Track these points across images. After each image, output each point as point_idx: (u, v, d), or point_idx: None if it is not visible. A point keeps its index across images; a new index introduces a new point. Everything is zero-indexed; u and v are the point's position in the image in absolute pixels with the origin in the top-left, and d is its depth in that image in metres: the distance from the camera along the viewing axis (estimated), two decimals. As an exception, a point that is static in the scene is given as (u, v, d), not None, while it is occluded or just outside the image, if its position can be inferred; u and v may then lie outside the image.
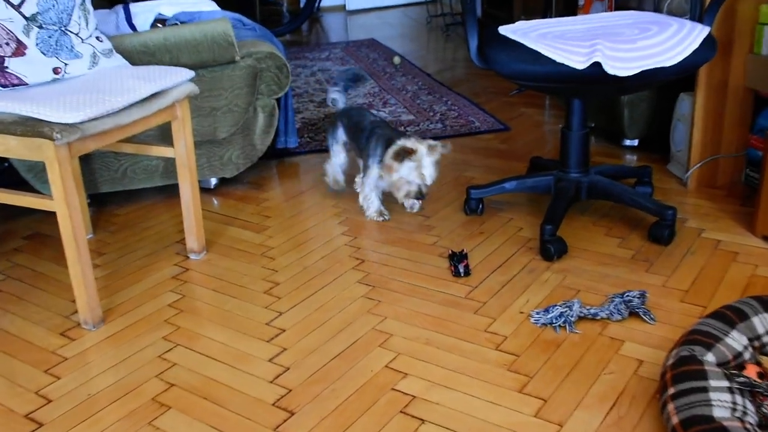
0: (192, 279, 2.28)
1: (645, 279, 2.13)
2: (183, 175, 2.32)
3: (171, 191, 2.95)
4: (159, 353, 1.92)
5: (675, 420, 1.44)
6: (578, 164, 2.45)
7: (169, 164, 2.80)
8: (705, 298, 2.02)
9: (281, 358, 1.86)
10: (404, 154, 2.39)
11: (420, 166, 2.41)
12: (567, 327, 1.92)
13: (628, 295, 1.97)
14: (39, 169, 2.67)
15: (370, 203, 2.63)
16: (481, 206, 2.62)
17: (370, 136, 2.57)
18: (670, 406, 1.47)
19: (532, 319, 1.96)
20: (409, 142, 2.41)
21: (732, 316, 1.68)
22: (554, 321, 1.93)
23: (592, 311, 1.94)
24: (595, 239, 2.39)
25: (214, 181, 2.97)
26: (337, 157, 2.80)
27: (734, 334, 1.64)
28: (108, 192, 2.84)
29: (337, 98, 2.81)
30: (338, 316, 2.03)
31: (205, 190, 2.94)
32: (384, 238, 2.49)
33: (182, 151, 2.27)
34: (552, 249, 2.26)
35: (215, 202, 2.88)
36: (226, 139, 2.82)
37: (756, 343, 1.66)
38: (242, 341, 1.95)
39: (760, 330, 1.67)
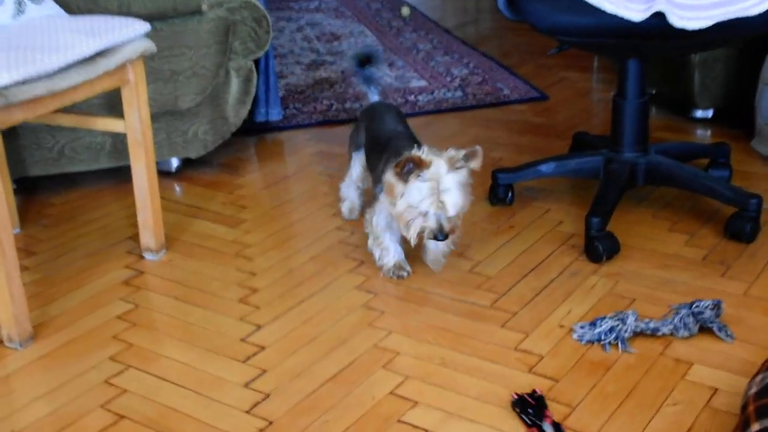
0: (148, 284, 2.29)
1: (720, 286, 2.14)
2: (136, 154, 2.32)
3: (121, 175, 2.94)
4: (105, 377, 1.92)
5: (758, 462, 1.44)
6: (634, 141, 2.46)
7: (119, 141, 2.80)
8: (798, 310, 2.04)
9: (260, 383, 1.87)
10: (411, 168, 2.02)
11: (438, 190, 2.02)
12: (619, 345, 1.92)
13: (697, 306, 1.97)
14: (-45, 146, 2.68)
15: (385, 251, 2.28)
16: (510, 194, 2.63)
17: (382, 152, 2.25)
18: (752, 445, 1.48)
19: (575, 335, 1.97)
20: (420, 152, 2.05)
21: (829, 330, 1.68)
22: (603, 337, 1.93)
23: (651, 325, 1.94)
24: (656, 236, 2.40)
25: (175, 162, 2.98)
26: (355, 170, 2.51)
27: (832, 353, 1.64)
28: (40, 176, 2.84)
29: (367, 89, 2.57)
30: (332, 331, 2.04)
31: (164, 173, 2.94)
32: (389, 233, 2.49)
33: (135, 124, 2.27)
34: (600, 247, 2.26)
35: (177, 189, 2.89)
36: (190, 110, 2.83)
37: None
38: (211, 362, 1.95)
39: None
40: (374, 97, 2.53)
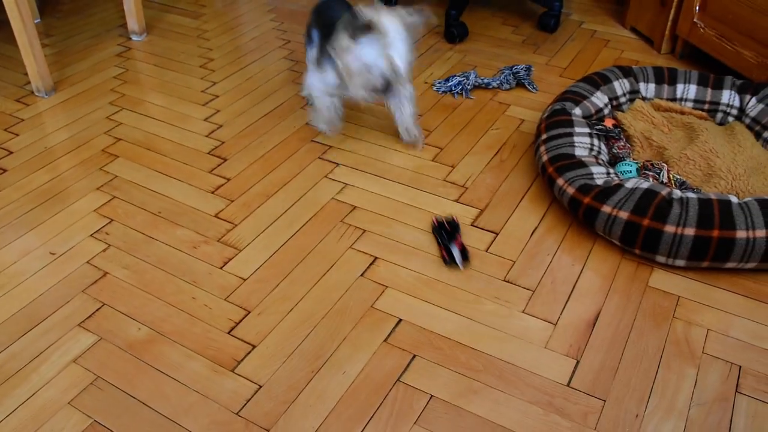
0: (134, 56, 2.22)
1: (532, 59, 2.17)
2: (121, -41, 2.19)
3: (112, -17, 2.80)
4: (107, 115, 1.89)
5: (545, 158, 1.53)
6: (481, -40, 2.41)
7: (109, -45, 2.63)
8: (579, 74, 2.08)
9: (215, 118, 1.87)
10: (362, 28, 1.48)
11: (387, 45, 1.49)
12: (464, 93, 1.96)
13: (516, 68, 2.01)
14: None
15: (313, 111, 1.73)
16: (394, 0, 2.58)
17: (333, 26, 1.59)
18: (542, 148, 1.56)
19: (434, 87, 1.99)
20: (369, 12, 1.49)
21: (597, 79, 1.74)
22: (453, 88, 1.96)
23: (485, 81, 1.98)
24: (493, 27, 2.40)
25: (152, -26, 2.81)
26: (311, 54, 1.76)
27: (598, 94, 1.71)
28: (52, -19, 2.67)
29: None
30: (265, 86, 2.02)
31: (144, -18, 2.79)
32: (308, 24, 2.44)
33: (118, -66, 2.13)
34: (455, 32, 2.25)
35: (154, -6, 2.75)
36: (161, -68, 2.65)
37: (614, 102, 1.74)
38: (181, 105, 1.93)
39: (619, 92, 1.75)
40: None
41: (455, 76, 1.99)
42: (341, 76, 1.57)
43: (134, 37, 2.33)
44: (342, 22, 1.52)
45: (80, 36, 2.36)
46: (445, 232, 1.43)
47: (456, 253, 1.37)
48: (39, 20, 2.47)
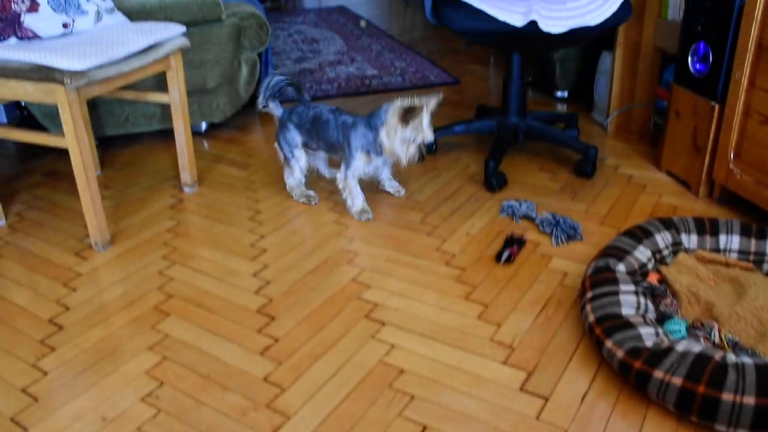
0: (186, 208, 2.27)
1: (571, 206, 2.17)
2: (177, 118, 2.28)
3: (167, 135, 2.91)
4: (159, 269, 1.92)
5: (591, 318, 1.49)
6: (517, 110, 2.46)
7: (165, 111, 2.75)
8: (620, 221, 2.06)
9: (263, 273, 1.88)
10: (412, 114, 1.93)
11: (421, 124, 1.96)
12: (515, 218, 2.07)
13: (561, 219, 2.01)
14: (54, 114, 2.62)
15: (355, 198, 2.13)
16: (434, 146, 2.62)
17: (338, 125, 2.09)
18: (588, 307, 1.52)
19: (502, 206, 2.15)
20: (409, 101, 1.94)
21: (639, 233, 1.72)
22: (507, 208, 2.12)
23: (534, 215, 2.07)
24: (531, 174, 2.42)
25: (204, 125, 2.93)
26: (300, 163, 2.22)
27: (641, 248, 1.69)
28: (113, 135, 2.79)
29: (271, 108, 2.24)
30: (312, 239, 2.04)
31: (196, 134, 2.90)
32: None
33: (176, 97, 2.23)
34: (494, 181, 2.28)
35: (206, 144, 2.85)
36: (214, 89, 2.78)
37: (657, 256, 1.71)
38: (230, 259, 1.95)
39: (661, 245, 1.72)
40: (279, 112, 2.25)
41: (511, 201, 2.14)
42: (384, 148, 2.01)
43: (187, 189, 2.39)
44: (391, 108, 1.97)
45: (136, 187, 2.43)
46: (511, 241, 1.93)
47: (505, 254, 1.86)
48: (100, 173, 2.56)
